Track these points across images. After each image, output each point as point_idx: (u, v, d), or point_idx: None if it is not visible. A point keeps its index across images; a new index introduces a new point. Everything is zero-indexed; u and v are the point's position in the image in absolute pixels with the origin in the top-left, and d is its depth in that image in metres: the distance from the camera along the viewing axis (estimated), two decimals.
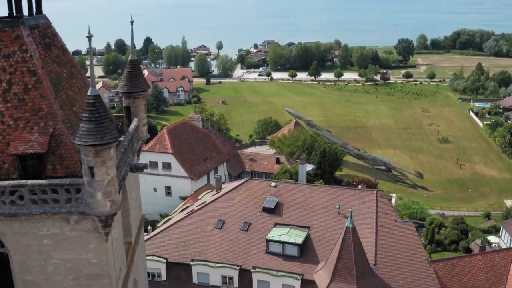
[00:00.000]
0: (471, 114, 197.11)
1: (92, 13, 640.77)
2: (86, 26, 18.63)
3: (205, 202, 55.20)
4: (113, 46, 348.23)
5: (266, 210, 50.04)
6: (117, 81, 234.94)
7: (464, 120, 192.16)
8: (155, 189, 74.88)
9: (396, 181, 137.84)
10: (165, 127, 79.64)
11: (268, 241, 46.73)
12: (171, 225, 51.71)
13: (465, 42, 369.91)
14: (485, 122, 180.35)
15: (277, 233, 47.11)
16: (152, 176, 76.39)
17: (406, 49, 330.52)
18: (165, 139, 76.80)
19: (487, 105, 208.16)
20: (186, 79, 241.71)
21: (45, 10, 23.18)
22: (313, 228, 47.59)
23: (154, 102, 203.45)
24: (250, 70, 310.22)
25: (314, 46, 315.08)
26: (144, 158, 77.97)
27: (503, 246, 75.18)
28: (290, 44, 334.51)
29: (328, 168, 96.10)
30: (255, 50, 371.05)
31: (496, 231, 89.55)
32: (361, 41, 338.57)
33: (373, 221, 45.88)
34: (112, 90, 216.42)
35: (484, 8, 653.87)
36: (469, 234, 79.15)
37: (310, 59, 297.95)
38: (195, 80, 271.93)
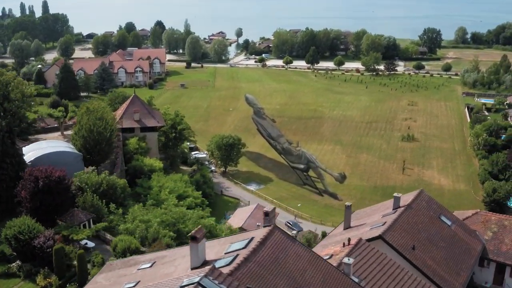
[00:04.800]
0: (466, 110, 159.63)
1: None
2: None
3: None
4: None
5: None
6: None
7: (453, 117, 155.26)
8: None
9: (304, 184, 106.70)
10: None
11: None
12: None
13: (510, 36, 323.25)
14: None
15: None
16: None
17: (432, 41, 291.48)
18: None
19: (491, 101, 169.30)
20: (157, 60, 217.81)
21: None
22: None
23: (97, 81, 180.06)
24: (251, 57, 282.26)
25: (322, 32, 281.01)
26: None
27: None
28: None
29: (97, 156, 67.76)
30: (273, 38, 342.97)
31: None
32: (400, 34, 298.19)
33: None
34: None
35: None
36: None
37: (317, 46, 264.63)
38: (178, 64, 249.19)
